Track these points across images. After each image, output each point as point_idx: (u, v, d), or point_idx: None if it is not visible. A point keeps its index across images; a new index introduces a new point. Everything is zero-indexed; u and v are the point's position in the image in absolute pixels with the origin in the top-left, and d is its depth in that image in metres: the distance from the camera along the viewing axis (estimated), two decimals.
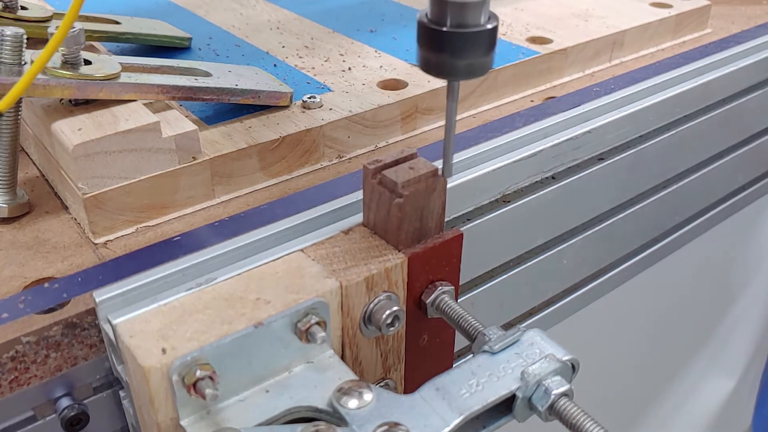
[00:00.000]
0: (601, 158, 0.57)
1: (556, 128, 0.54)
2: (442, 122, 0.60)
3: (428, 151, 0.51)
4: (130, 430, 0.42)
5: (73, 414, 0.38)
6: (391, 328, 0.39)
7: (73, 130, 0.45)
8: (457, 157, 0.49)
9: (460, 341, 0.46)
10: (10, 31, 0.44)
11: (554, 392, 0.35)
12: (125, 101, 0.48)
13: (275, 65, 0.64)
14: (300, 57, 0.65)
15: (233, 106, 0.55)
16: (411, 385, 0.45)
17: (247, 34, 0.71)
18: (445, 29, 0.33)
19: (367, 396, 0.34)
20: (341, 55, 0.66)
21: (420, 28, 0.34)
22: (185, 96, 0.51)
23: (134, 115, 0.46)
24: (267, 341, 0.35)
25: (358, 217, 0.43)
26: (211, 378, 0.33)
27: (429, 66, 0.34)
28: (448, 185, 0.47)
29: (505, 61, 0.63)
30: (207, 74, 0.54)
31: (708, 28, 0.79)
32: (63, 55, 0.46)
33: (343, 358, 0.40)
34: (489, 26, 0.33)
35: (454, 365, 0.46)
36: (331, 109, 0.55)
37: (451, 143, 0.38)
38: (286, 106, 0.56)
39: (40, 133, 0.50)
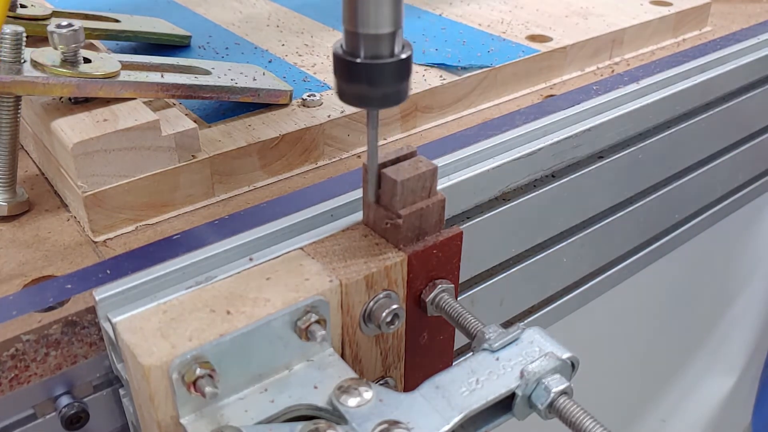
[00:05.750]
0: (600, 156, 0.57)
1: (555, 126, 0.54)
2: (442, 120, 0.60)
3: (428, 149, 0.51)
4: (130, 429, 0.42)
5: (73, 412, 0.39)
6: (391, 327, 0.39)
7: (72, 128, 0.45)
8: (457, 155, 0.49)
9: (460, 339, 0.46)
10: (9, 29, 0.44)
11: (554, 390, 0.35)
12: (125, 99, 0.48)
13: (274, 63, 0.64)
14: (300, 55, 0.65)
15: (233, 105, 0.55)
16: (411, 383, 0.45)
17: (246, 32, 0.71)
18: (359, 60, 0.33)
19: (367, 394, 0.34)
20: None
21: (336, 60, 0.34)
22: (185, 94, 0.51)
23: (134, 113, 0.46)
24: (267, 339, 0.35)
25: (358, 216, 0.43)
26: (210, 376, 0.33)
27: (345, 96, 0.35)
28: (449, 183, 0.47)
29: (505, 59, 0.63)
30: (207, 72, 0.54)
31: (708, 26, 0.79)
32: (62, 53, 0.46)
33: (342, 356, 0.40)
34: (403, 56, 0.34)
35: (453, 363, 0.46)
36: (330, 107, 0.55)
37: (375, 169, 0.39)
38: (286, 105, 0.56)
39: (39, 131, 0.50)
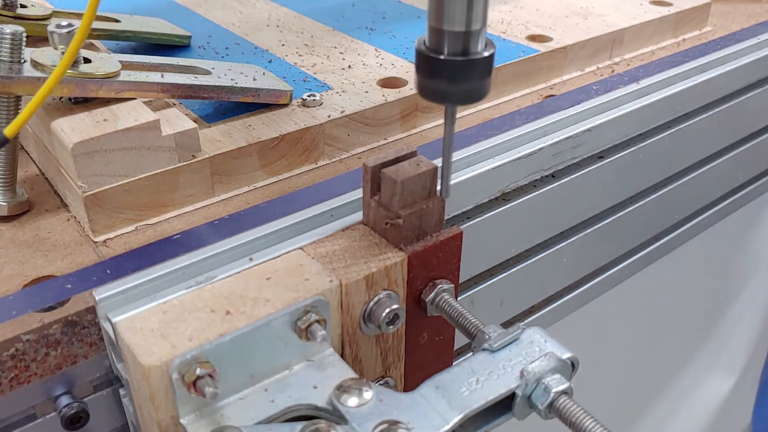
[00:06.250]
0: (600, 156, 0.57)
1: (555, 126, 0.54)
2: (442, 120, 0.60)
3: (428, 149, 0.51)
4: (130, 428, 0.42)
5: (73, 412, 0.39)
6: (391, 327, 0.39)
7: (72, 128, 0.45)
8: (457, 156, 0.49)
9: (460, 339, 0.46)
10: (9, 29, 0.44)
11: (554, 390, 0.35)
12: (125, 99, 0.48)
13: (274, 63, 0.64)
14: (300, 55, 0.65)
15: (233, 105, 0.55)
16: (411, 383, 0.45)
17: (246, 32, 0.71)
18: (442, 57, 0.34)
19: (367, 394, 0.34)
20: (341, 53, 0.66)
21: (418, 56, 0.34)
22: (185, 94, 0.51)
23: (134, 113, 0.46)
24: (267, 339, 0.35)
25: (358, 216, 0.43)
26: (211, 376, 0.33)
27: (426, 91, 0.35)
28: (450, 181, 0.47)
29: (505, 59, 0.63)
30: (207, 72, 0.54)
31: (708, 26, 0.79)
32: (62, 53, 0.46)
33: (342, 356, 0.40)
34: (486, 54, 0.34)
35: (453, 363, 0.46)
36: (331, 107, 0.55)
37: (449, 165, 0.39)
38: (286, 105, 0.56)
39: (39, 131, 0.50)
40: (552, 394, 0.35)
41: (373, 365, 0.42)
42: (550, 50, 0.65)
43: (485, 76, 0.35)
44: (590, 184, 0.57)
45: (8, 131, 0.36)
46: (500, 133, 0.52)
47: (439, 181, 0.40)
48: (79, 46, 0.36)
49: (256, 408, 0.35)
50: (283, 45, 0.68)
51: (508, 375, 0.35)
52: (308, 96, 0.56)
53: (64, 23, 0.45)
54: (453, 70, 0.34)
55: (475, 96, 0.35)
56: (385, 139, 0.57)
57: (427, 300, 0.41)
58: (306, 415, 0.35)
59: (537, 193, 0.53)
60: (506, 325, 0.38)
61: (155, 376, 0.32)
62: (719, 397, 1.14)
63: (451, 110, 0.37)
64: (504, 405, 0.36)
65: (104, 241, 0.46)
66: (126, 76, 0.48)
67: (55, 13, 0.60)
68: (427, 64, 0.34)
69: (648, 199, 0.65)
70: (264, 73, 0.57)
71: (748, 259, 0.99)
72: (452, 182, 0.47)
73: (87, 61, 0.47)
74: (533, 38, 0.68)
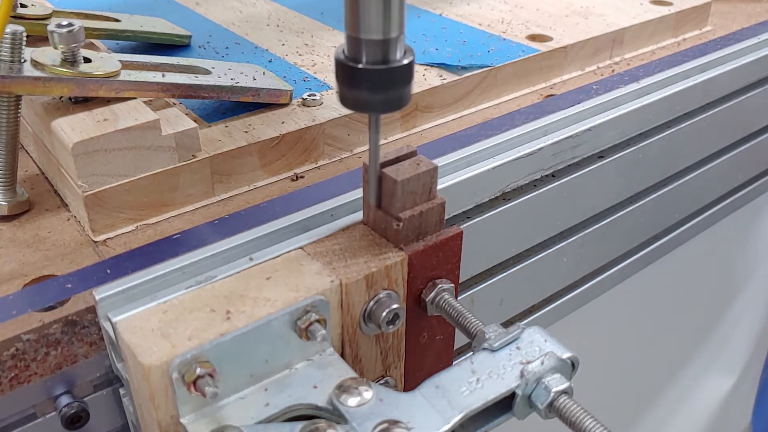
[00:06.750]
0: (600, 156, 0.57)
1: (555, 126, 0.54)
2: (442, 120, 0.60)
3: (428, 148, 0.51)
4: (130, 428, 0.42)
5: (73, 412, 0.39)
6: (391, 326, 0.39)
7: (72, 128, 0.45)
8: (457, 155, 0.49)
9: (460, 339, 0.46)
10: (9, 28, 0.44)
11: (554, 390, 0.35)
12: (125, 99, 0.48)
13: (274, 62, 0.64)
14: (300, 54, 0.65)
15: (233, 104, 0.55)
16: (411, 382, 0.45)
17: (247, 32, 0.71)
18: (360, 66, 0.34)
19: (367, 394, 0.34)
20: None
21: (338, 65, 0.34)
22: (185, 94, 0.51)
23: (134, 113, 0.46)
24: (267, 339, 0.35)
25: (358, 215, 0.43)
26: (211, 376, 0.33)
27: (347, 101, 0.35)
28: (449, 183, 0.47)
29: (505, 59, 0.63)
30: (207, 72, 0.54)
31: (708, 25, 0.79)
32: (63, 52, 0.46)
33: (342, 355, 0.40)
34: (405, 61, 0.34)
35: (453, 363, 0.46)
36: (331, 107, 0.55)
37: (375, 173, 0.39)
38: (286, 104, 0.56)
39: (39, 131, 0.50)
40: (552, 394, 0.35)
41: (373, 365, 0.42)
42: (550, 50, 0.65)
43: (406, 83, 0.35)
44: (590, 183, 0.57)
45: None
46: (500, 133, 0.52)
47: (369, 189, 0.40)
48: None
49: (256, 407, 0.35)
50: (283, 44, 0.68)
51: (508, 375, 0.35)
52: (308, 95, 0.56)
53: (65, 23, 0.45)
54: (373, 79, 0.34)
55: (397, 103, 0.35)
56: (385, 138, 0.57)
57: (427, 300, 0.41)
58: (306, 414, 0.35)
59: (537, 192, 0.53)
60: (506, 324, 0.38)
61: (155, 375, 0.32)
62: (719, 397, 1.14)
63: (375, 118, 0.37)
64: (504, 405, 0.36)
65: (104, 241, 0.46)
66: (126, 75, 0.48)
67: (55, 13, 0.60)
68: (346, 73, 0.34)
69: (648, 199, 0.65)
70: (264, 73, 0.57)
71: (748, 259, 0.99)
72: (452, 182, 0.47)
73: (87, 60, 0.47)
74: (533, 38, 0.68)
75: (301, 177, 0.52)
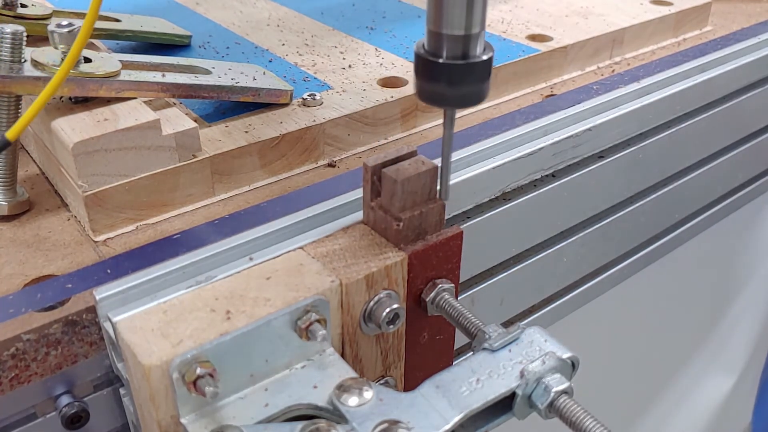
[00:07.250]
0: (601, 156, 0.57)
1: (556, 126, 0.54)
2: (442, 120, 0.60)
3: (428, 148, 0.51)
4: (130, 428, 0.42)
5: (73, 411, 0.39)
6: (391, 326, 0.39)
7: (73, 128, 0.45)
8: (458, 155, 0.49)
9: (460, 339, 0.46)
10: (10, 28, 0.44)
11: (554, 390, 0.35)
12: (125, 99, 0.48)
13: (275, 62, 0.64)
14: (300, 54, 0.65)
15: (233, 104, 0.55)
16: (411, 382, 0.45)
17: (247, 32, 0.71)
18: (441, 60, 0.34)
19: (367, 394, 0.34)
20: (341, 52, 0.66)
21: (417, 59, 0.35)
22: (185, 94, 0.51)
23: (134, 113, 0.46)
24: (267, 339, 0.35)
25: (359, 215, 0.43)
26: (211, 376, 0.33)
27: (425, 95, 0.36)
28: (449, 183, 0.47)
29: (505, 58, 0.63)
30: (207, 72, 0.54)
31: (708, 25, 0.79)
32: (63, 52, 0.46)
33: (343, 355, 0.40)
34: (485, 57, 0.34)
35: (454, 363, 0.46)
36: (331, 107, 0.55)
37: (448, 168, 0.39)
38: (286, 104, 0.56)
39: (39, 130, 0.50)
40: (552, 394, 0.35)
41: (373, 365, 0.42)
42: (550, 50, 0.65)
43: (484, 79, 0.35)
44: (590, 183, 0.57)
45: (10, 134, 0.36)
46: (501, 133, 0.52)
47: (438, 183, 0.40)
48: (82, 47, 0.36)
49: (256, 407, 0.35)
50: (283, 44, 0.68)
51: (508, 375, 0.35)
52: (308, 95, 0.56)
53: (65, 23, 0.45)
54: (452, 74, 0.34)
55: (474, 99, 0.35)
56: (386, 138, 0.57)
57: (427, 299, 0.41)
58: (306, 414, 0.35)
59: (537, 192, 0.53)
60: (506, 324, 0.38)
61: (155, 375, 0.32)
62: (719, 397, 1.14)
63: (450, 113, 0.37)
64: (504, 405, 0.36)
65: (104, 241, 0.46)
66: (126, 75, 0.48)
67: (56, 13, 0.60)
68: (426, 67, 0.34)
69: (648, 199, 0.65)
70: (264, 73, 0.57)
71: (748, 259, 0.99)
72: (452, 182, 0.47)
73: (87, 60, 0.47)
74: (533, 38, 0.68)
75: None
